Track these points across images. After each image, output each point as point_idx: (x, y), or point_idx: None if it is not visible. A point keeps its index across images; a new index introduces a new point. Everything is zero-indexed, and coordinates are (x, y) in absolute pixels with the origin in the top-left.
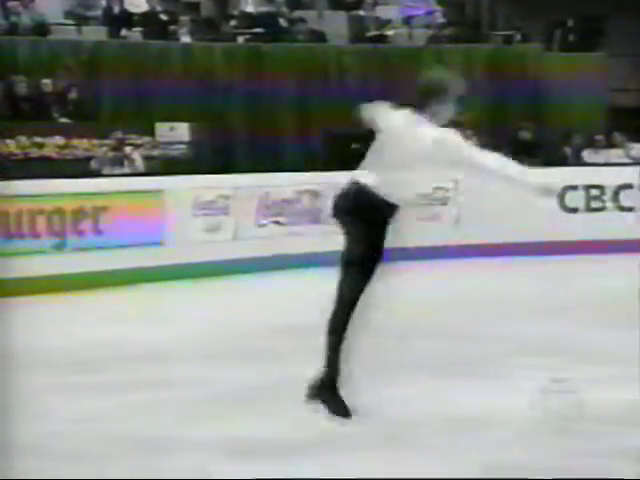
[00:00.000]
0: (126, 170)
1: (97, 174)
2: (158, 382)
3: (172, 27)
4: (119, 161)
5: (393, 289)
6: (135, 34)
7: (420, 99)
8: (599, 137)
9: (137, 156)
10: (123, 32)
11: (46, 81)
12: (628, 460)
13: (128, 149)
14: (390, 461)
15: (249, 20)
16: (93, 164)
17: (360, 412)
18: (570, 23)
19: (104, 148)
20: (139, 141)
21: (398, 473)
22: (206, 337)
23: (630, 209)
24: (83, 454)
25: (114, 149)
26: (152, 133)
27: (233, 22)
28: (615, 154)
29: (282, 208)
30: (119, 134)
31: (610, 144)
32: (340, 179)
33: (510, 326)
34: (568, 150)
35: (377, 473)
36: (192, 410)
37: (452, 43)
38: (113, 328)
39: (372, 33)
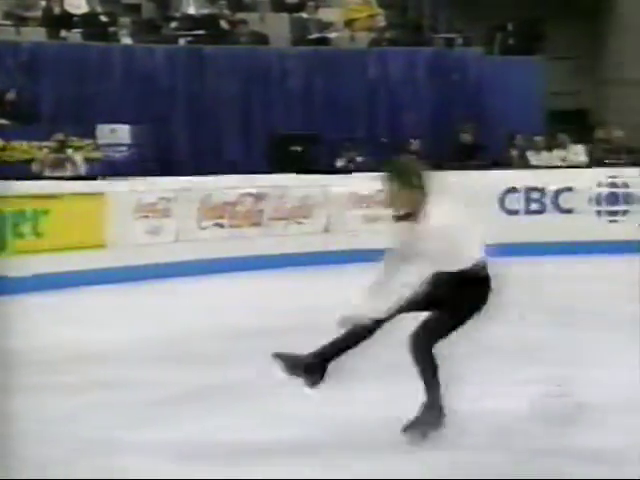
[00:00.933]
0: (68, 173)
1: (38, 176)
2: (104, 384)
3: (112, 28)
4: (61, 163)
5: None
6: (75, 35)
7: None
8: (539, 138)
9: (79, 158)
10: (63, 33)
11: None
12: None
13: (70, 151)
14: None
15: (190, 22)
16: (34, 167)
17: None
18: (510, 27)
19: (45, 150)
20: (80, 143)
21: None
22: (150, 340)
23: (569, 211)
24: (32, 455)
25: (55, 151)
26: (93, 135)
27: (174, 24)
28: (557, 156)
29: (224, 210)
30: (60, 136)
31: (550, 146)
32: (283, 181)
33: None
34: (513, 152)
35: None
36: (140, 412)
37: (394, 46)
38: (57, 331)
39: (314, 35)
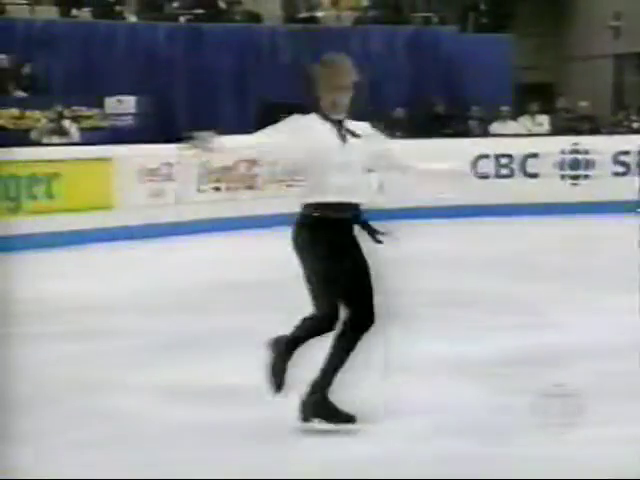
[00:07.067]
0: (64, 140)
1: (40, 143)
2: (100, 332)
3: (119, 7)
4: (56, 132)
5: None
6: (85, 14)
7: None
8: (505, 108)
9: (74, 128)
10: (73, 12)
11: (2, 56)
12: None
13: (67, 122)
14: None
15: (190, 1)
16: (32, 134)
17: None
18: (482, 6)
19: (44, 120)
20: (88, 113)
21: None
22: (148, 292)
23: (535, 175)
24: (24, 393)
25: (52, 121)
26: (102, 105)
27: (175, 3)
28: (523, 125)
29: (221, 175)
30: (59, 107)
31: (516, 116)
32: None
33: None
34: (472, 123)
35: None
36: (130, 358)
37: (376, 24)
38: (62, 283)
39: (304, 14)
